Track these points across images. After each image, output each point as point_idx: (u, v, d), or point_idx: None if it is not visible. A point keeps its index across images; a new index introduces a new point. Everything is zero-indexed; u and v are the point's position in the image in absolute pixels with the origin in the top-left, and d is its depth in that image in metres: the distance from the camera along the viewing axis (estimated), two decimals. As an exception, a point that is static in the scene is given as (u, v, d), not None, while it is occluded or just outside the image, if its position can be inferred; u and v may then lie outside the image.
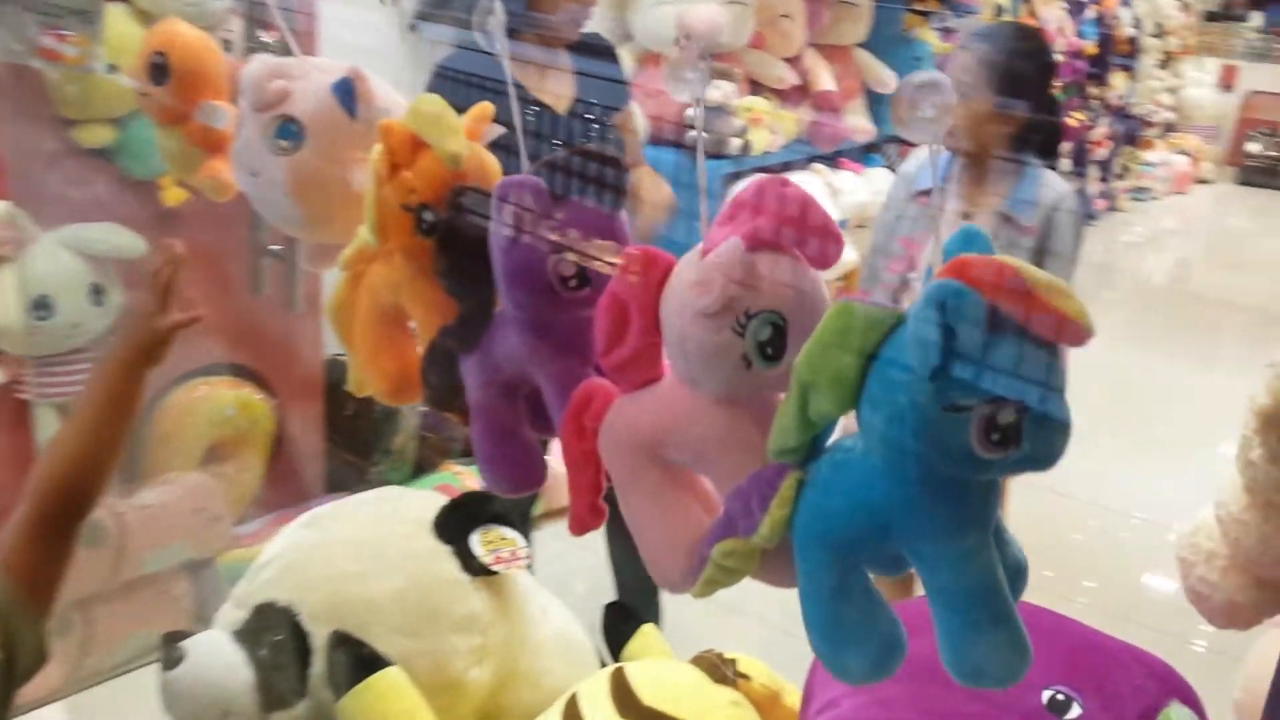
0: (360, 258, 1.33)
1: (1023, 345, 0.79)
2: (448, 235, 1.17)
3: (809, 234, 0.93)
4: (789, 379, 0.92)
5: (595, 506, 1.11)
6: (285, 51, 2.67)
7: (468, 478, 3.53)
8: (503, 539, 1.80)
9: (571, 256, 1.09)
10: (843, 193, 4.67)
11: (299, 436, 3.35)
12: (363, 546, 1.75)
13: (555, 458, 1.21)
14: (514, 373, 1.19)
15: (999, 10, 5.96)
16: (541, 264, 1.09)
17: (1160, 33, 9.05)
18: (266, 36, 2.71)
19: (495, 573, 1.75)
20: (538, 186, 1.08)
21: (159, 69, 1.62)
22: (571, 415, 1.09)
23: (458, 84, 2.07)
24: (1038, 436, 0.81)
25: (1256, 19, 11.02)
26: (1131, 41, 8.31)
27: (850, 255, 4.73)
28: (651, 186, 2.62)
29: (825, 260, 0.95)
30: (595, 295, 1.08)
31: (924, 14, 5.39)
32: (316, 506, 3.16)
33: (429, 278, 1.23)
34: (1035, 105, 2.45)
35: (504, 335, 1.18)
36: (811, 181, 4.55)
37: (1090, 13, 7.52)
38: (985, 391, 0.79)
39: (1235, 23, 11.02)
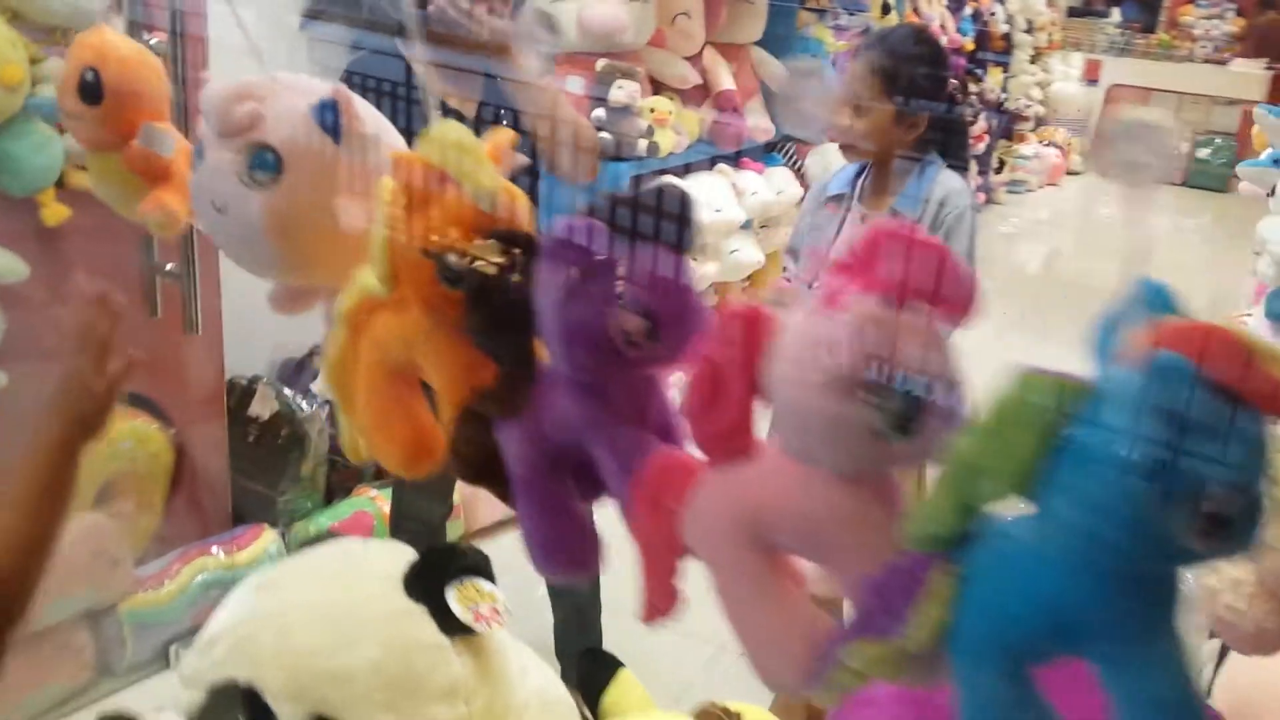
0: (363, 309, 1.15)
1: (1245, 421, 0.69)
2: (483, 286, 1.00)
3: (948, 287, 0.81)
4: (923, 452, 0.80)
5: (671, 591, 0.97)
6: (174, 55, 2.47)
7: (385, 502, 3.32)
8: (480, 593, 1.63)
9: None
10: (746, 193, 4.60)
11: (201, 467, 3.13)
12: (329, 612, 1.56)
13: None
14: (565, 441, 1.04)
15: (886, 8, 5.97)
16: (604, 319, 0.95)
17: (1030, 29, 9.24)
18: (151, 38, 2.51)
19: (475, 632, 1.59)
20: (601, 232, 0.93)
21: (90, 88, 1.40)
22: (647, 492, 0.95)
23: (365, 90, 1.92)
24: (1249, 522, 0.71)
25: (1115, 14, 11.39)
26: (1005, 38, 8.46)
27: (757, 256, 4.69)
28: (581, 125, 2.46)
29: (965, 317, 0.83)
30: (665, 353, 0.95)
31: (817, 11, 5.37)
32: (219, 541, 3.01)
33: (452, 332, 1.06)
34: (935, 106, 2.42)
35: (553, 398, 1.03)
36: (718, 182, 4.47)
37: (967, 9, 7.61)
38: (1215, 478, 0.68)
39: (1097, 18, 11.37)
